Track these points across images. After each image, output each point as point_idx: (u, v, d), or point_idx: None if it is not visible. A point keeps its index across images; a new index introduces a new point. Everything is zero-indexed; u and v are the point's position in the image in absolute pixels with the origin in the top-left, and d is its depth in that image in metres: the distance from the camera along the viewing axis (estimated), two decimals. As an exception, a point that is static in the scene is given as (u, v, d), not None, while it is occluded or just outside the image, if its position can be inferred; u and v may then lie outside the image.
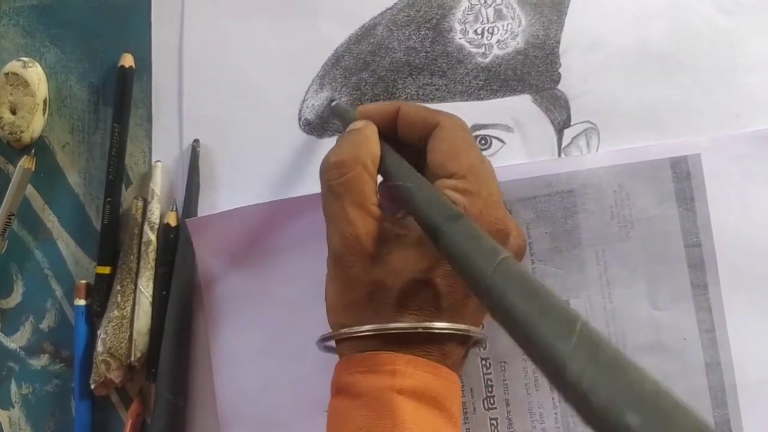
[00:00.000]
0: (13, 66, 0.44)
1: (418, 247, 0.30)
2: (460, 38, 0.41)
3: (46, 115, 0.44)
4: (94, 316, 0.42)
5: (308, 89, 0.42)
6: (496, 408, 0.38)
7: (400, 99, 0.41)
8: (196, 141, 0.43)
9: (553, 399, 0.38)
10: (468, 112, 0.39)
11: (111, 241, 0.42)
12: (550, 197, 0.38)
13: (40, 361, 0.44)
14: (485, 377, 0.38)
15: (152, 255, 0.41)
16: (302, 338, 0.39)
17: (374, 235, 0.30)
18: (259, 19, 0.44)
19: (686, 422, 0.16)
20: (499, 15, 0.41)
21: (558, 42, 0.41)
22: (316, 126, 0.42)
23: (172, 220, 0.41)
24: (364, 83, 0.42)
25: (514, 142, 0.40)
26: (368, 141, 0.33)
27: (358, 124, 0.34)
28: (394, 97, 0.41)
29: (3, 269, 0.44)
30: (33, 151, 0.44)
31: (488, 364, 0.38)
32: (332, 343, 0.33)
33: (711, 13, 0.40)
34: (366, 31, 0.42)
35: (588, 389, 0.17)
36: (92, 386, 0.40)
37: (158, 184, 0.42)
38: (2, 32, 0.46)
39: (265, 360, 0.40)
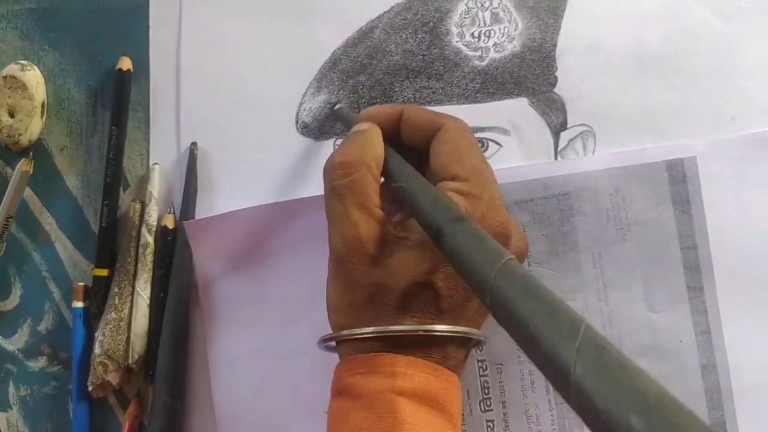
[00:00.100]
0: (12, 69, 0.44)
1: (420, 249, 0.30)
2: (457, 41, 0.42)
3: (44, 118, 0.45)
4: (91, 318, 0.42)
5: (305, 92, 0.42)
6: (492, 410, 0.38)
7: (398, 102, 0.41)
8: (194, 144, 0.43)
9: (549, 401, 0.38)
10: (465, 115, 0.39)
11: (109, 244, 0.42)
12: (547, 200, 0.38)
13: (37, 363, 0.44)
14: (481, 379, 0.38)
15: (150, 257, 0.41)
16: (299, 341, 0.39)
17: (376, 237, 0.30)
18: (257, 22, 0.44)
19: (689, 426, 0.16)
20: (495, 18, 0.41)
21: (554, 45, 0.41)
22: (313, 129, 0.42)
23: (169, 222, 0.42)
24: (361, 86, 0.42)
25: (510, 145, 0.40)
26: (373, 143, 0.33)
27: (362, 126, 0.34)
28: (391, 101, 0.41)
29: (1, 272, 0.44)
30: (31, 153, 0.44)
31: (485, 366, 0.38)
32: (333, 344, 0.33)
33: (707, 17, 0.40)
34: (363, 35, 0.42)
35: (592, 392, 0.17)
36: (90, 388, 0.40)
37: (156, 186, 0.42)
38: (0, 35, 0.46)
39: (263, 362, 0.40)
